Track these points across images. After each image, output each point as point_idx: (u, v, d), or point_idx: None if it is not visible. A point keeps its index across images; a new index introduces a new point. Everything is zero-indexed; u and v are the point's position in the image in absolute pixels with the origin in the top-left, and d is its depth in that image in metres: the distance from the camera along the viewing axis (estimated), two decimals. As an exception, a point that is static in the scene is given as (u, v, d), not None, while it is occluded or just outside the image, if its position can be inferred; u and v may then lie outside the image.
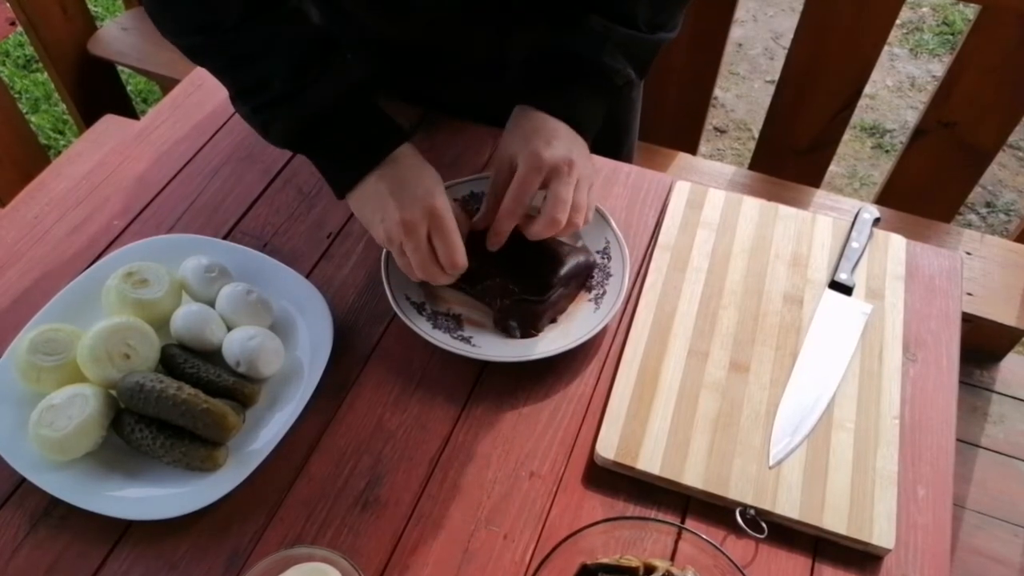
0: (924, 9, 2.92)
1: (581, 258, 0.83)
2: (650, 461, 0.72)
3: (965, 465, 1.66)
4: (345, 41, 0.76)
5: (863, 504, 0.70)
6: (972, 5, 1.36)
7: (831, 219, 0.92)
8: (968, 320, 1.46)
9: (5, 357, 0.76)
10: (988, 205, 2.35)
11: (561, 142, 0.76)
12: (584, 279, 0.84)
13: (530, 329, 0.80)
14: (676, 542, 0.68)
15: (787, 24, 1.06)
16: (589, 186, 0.78)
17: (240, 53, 0.73)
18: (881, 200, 1.68)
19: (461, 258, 0.74)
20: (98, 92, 2.01)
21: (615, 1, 0.79)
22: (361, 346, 0.81)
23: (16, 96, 2.48)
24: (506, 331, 0.81)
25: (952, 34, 2.80)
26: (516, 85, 0.81)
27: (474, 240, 0.79)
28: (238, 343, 0.75)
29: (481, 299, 0.82)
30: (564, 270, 0.81)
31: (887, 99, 2.63)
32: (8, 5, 1.74)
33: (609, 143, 1.05)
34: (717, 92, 2.32)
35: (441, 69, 0.97)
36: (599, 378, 0.80)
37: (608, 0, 0.79)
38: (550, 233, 0.75)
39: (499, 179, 0.78)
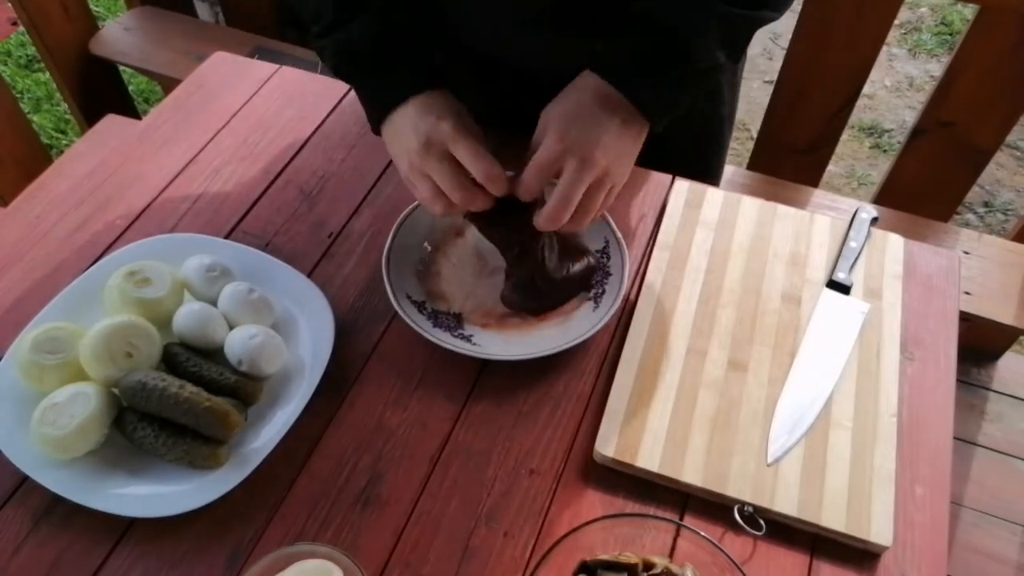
0: (923, 9, 2.92)
1: (591, 260, 0.84)
2: (649, 459, 0.72)
3: (963, 463, 1.66)
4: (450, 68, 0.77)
5: (861, 502, 0.71)
6: (970, 5, 1.37)
7: (829, 219, 0.93)
8: (966, 319, 1.47)
9: (7, 356, 0.76)
10: (986, 204, 2.35)
11: (610, 138, 0.71)
12: (587, 282, 0.85)
13: (532, 303, 0.81)
14: (675, 539, 0.68)
15: (786, 24, 1.06)
16: (609, 189, 0.74)
17: None
18: (879, 200, 1.68)
19: (493, 166, 0.71)
20: (100, 92, 2.01)
21: None
22: (362, 345, 0.82)
23: (18, 96, 2.48)
24: (511, 296, 0.82)
25: (950, 34, 2.81)
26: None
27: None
28: (240, 342, 0.75)
29: (504, 240, 0.80)
30: (575, 267, 0.82)
31: (885, 99, 2.63)
32: (10, 5, 1.74)
33: (697, 164, 1.02)
34: (716, 92, 2.31)
35: (537, 94, 0.96)
36: (598, 376, 0.80)
37: None
38: (551, 228, 0.73)
39: (535, 142, 0.73)
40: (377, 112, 0.77)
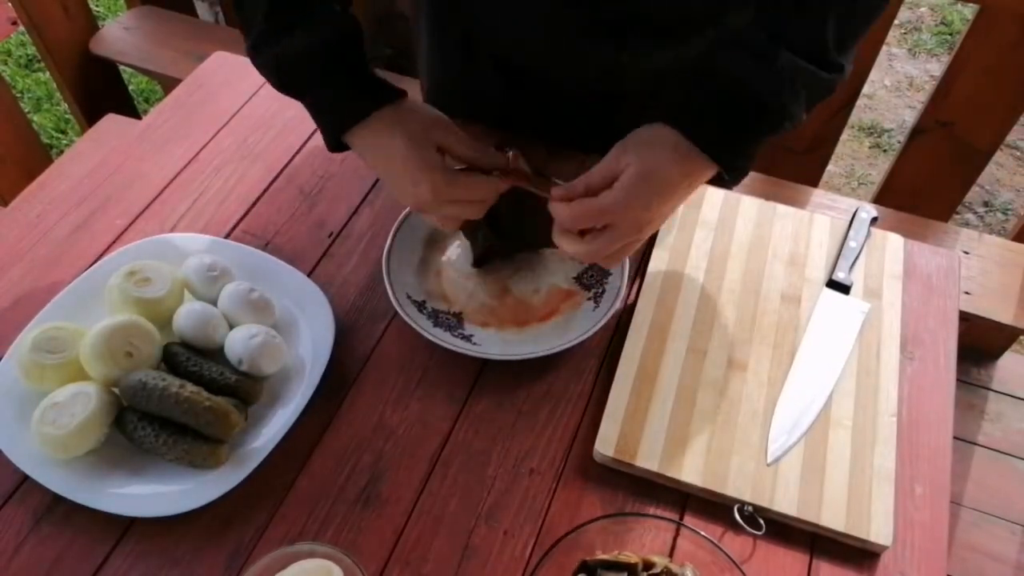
0: (922, 9, 2.92)
1: None
2: (649, 458, 0.72)
3: (962, 463, 1.66)
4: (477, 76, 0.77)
5: (861, 501, 0.71)
6: (970, 5, 1.37)
7: (829, 218, 0.93)
8: (965, 319, 1.47)
9: (8, 355, 0.76)
10: (986, 204, 2.36)
11: (662, 206, 0.69)
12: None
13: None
14: (675, 539, 0.68)
15: (786, 24, 1.08)
16: (638, 244, 0.72)
17: None
18: (879, 199, 1.69)
19: (486, 200, 0.73)
20: (100, 91, 2.01)
21: (799, 24, 0.67)
22: (362, 344, 0.82)
23: (18, 95, 2.48)
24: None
25: (950, 34, 2.81)
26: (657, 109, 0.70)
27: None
28: (240, 341, 0.75)
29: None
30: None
31: (885, 99, 2.63)
32: (10, 5, 1.74)
33: None
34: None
35: (559, 105, 0.92)
36: (598, 376, 0.80)
37: (781, 18, 0.67)
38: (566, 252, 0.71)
39: (600, 173, 0.69)
40: (335, 128, 0.73)
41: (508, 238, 0.83)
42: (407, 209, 0.88)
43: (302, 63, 0.72)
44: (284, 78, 0.74)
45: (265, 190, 0.95)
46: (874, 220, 0.91)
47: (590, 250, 0.69)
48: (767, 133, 0.69)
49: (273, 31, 0.71)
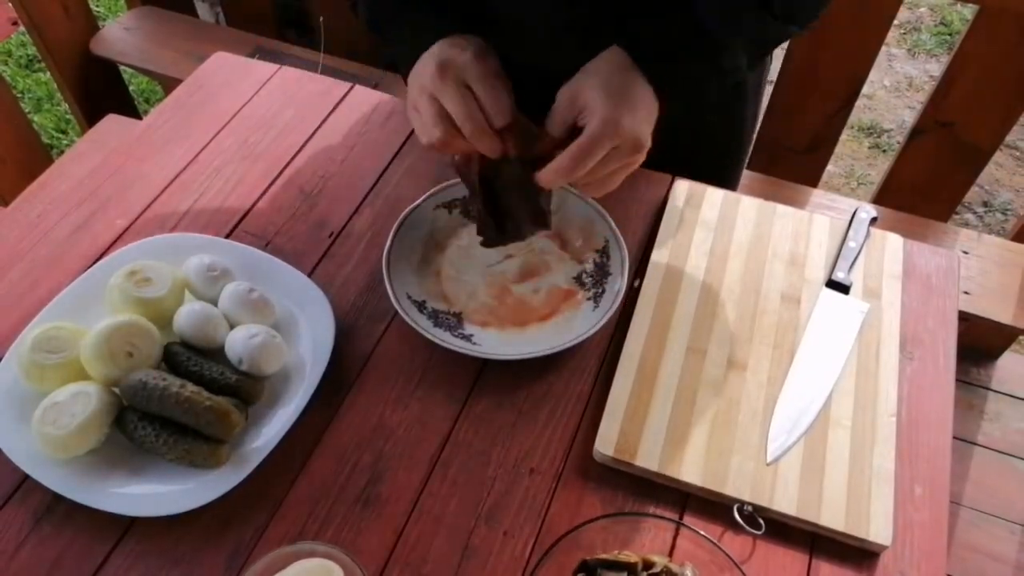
0: (922, 9, 2.92)
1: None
2: (648, 458, 0.73)
3: (962, 463, 1.66)
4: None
5: (860, 501, 0.71)
6: (970, 5, 1.37)
7: (828, 218, 0.93)
8: (965, 319, 1.47)
9: (8, 355, 0.76)
10: (985, 204, 2.36)
11: (644, 116, 0.69)
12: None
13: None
14: (674, 538, 0.68)
15: (785, 24, 1.08)
16: (629, 169, 0.72)
17: None
18: (878, 199, 1.69)
19: (502, 97, 0.68)
20: (100, 92, 2.01)
21: None
22: (362, 344, 0.82)
23: (19, 96, 2.48)
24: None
25: (950, 34, 2.81)
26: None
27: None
28: (240, 341, 0.75)
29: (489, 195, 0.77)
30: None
31: (885, 99, 2.63)
32: (10, 5, 1.74)
33: (715, 167, 1.02)
34: (716, 92, 2.32)
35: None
36: (598, 376, 0.80)
37: None
38: (558, 184, 0.69)
39: (560, 117, 0.70)
40: (410, 61, 0.74)
41: (502, 217, 0.79)
42: (407, 209, 0.88)
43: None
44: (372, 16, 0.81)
45: (265, 190, 0.95)
46: (873, 220, 0.91)
47: (591, 176, 0.68)
48: (700, 57, 0.71)
49: None
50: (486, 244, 0.79)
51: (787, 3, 0.72)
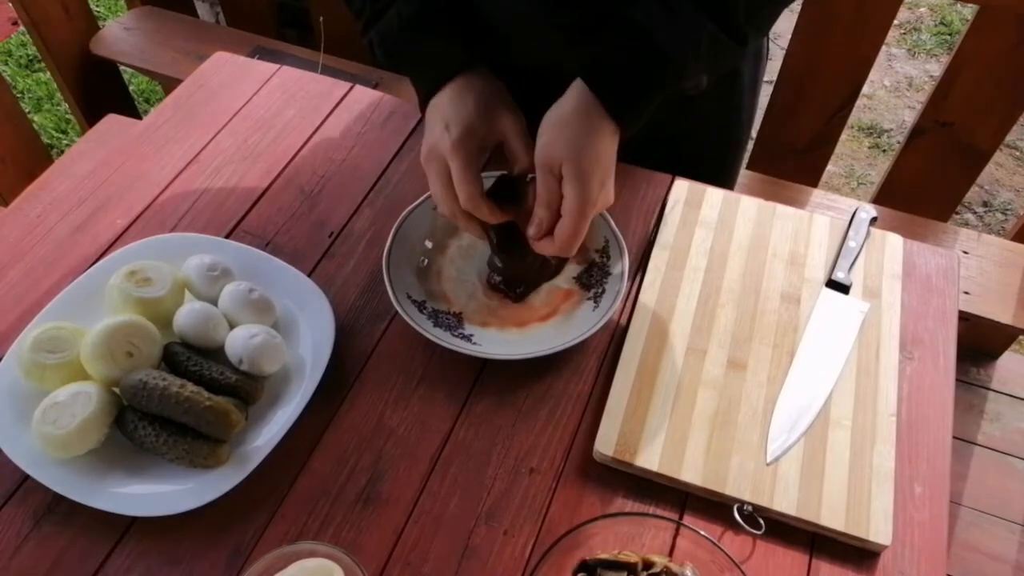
0: (922, 9, 2.92)
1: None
2: (648, 458, 0.73)
3: (962, 462, 1.67)
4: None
5: (860, 501, 0.71)
6: (970, 5, 1.37)
7: (828, 218, 0.93)
8: (965, 318, 1.47)
9: (9, 355, 0.76)
10: (985, 204, 2.36)
11: (610, 172, 0.72)
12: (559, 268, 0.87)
13: (514, 286, 0.84)
14: (674, 538, 0.68)
15: (785, 24, 1.07)
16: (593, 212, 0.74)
17: None
18: (878, 199, 1.69)
19: (474, 194, 0.72)
20: (100, 92, 2.01)
21: None
22: (362, 344, 0.82)
23: (19, 96, 2.48)
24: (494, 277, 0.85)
25: (950, 34, 2.81)
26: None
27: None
28: (240, 341, 0.75)
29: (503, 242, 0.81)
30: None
31: (885, 99, 2.63)
32: (10, 5, 1.74)
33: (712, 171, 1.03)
34: (716, 92, 2.31)
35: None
36: (598, 376, 0.80)
37: None
38: (563, 254, 0.74)
39: (543, 188, 0.72)
40: (424, 98, 0.79)
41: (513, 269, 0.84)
42: (407, 209, 0.88)
43: (400, 35, 0.79)
44: (386, 50, 0.81)
45: (265, 190, 0.95)
46: (873, 220, 0.91)
47: (567, 240, 0.71)
48: (662, 89, 0.72)
49: (374, 12, 0.80)
50: (516, 300, 0.85)
51: (748, 23, 0.72)
